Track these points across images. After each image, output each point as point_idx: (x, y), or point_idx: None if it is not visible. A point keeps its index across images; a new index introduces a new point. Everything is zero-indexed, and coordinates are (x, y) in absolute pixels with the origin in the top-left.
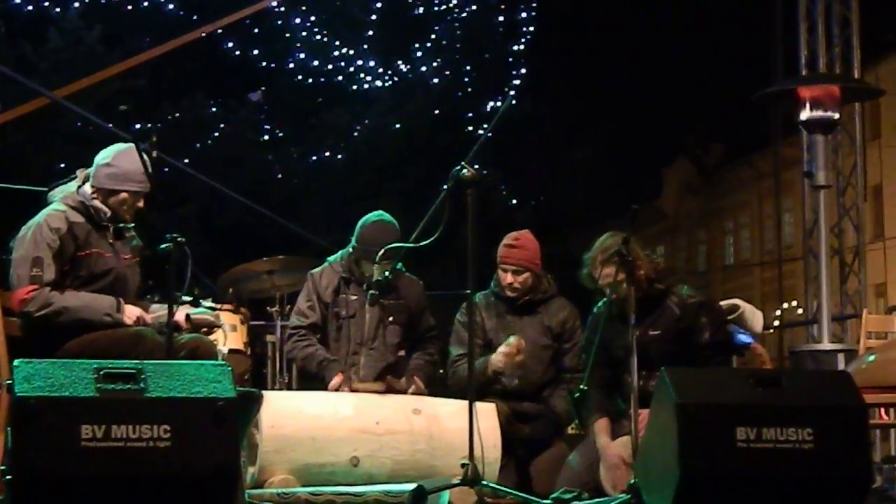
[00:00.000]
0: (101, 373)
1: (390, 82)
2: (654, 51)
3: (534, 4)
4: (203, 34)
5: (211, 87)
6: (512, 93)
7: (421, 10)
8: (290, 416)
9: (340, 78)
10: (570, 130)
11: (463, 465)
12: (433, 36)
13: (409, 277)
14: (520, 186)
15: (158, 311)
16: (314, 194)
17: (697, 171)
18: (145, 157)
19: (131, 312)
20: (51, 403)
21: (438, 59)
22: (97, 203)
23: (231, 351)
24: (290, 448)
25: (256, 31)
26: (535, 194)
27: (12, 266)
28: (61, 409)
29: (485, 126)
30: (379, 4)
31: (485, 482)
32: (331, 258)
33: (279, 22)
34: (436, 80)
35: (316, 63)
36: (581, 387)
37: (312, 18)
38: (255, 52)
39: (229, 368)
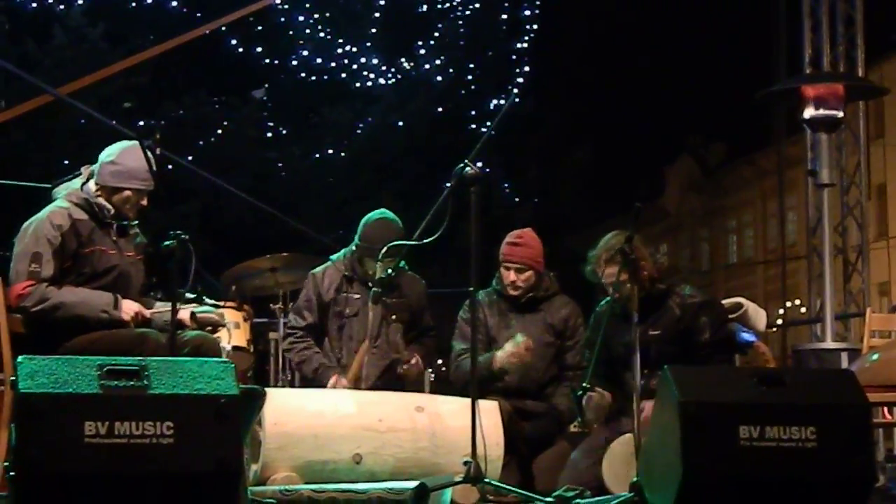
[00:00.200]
0: (105, 369)
1: (393, 80)
2: (657, 49)
3: (537, 2)
4: (206, 32)
5: (214, 85)
6: (515, 91)
7: (424, 7)
8: (292, 414)
9: (343, 75)
10: (573, 129)
11: (465, 463)
12: (436, 34)
13: (412, 276)
14: (522, 184)
15: (163, 308)
16: (317, 192)
17: (700, 170)
18: (149, 155)
19: (129, 308)
20: (54, 400)
21: (441, 57)
22: (101, 200)
23: (234, 348)
24: (293, 445)
25: (259, 28)
26: (538, 192)
27: (12, 261)
28: (65, 406)
29: (488, 124)
30: (382, 2)
31: (487, 480)
32: (333, 256)
33: (282, 19)
34: (439, 78)
35: (319, 60)
36: (584, 384)
37: (315, 16)
38: (258, 49)
39: (232, 365)
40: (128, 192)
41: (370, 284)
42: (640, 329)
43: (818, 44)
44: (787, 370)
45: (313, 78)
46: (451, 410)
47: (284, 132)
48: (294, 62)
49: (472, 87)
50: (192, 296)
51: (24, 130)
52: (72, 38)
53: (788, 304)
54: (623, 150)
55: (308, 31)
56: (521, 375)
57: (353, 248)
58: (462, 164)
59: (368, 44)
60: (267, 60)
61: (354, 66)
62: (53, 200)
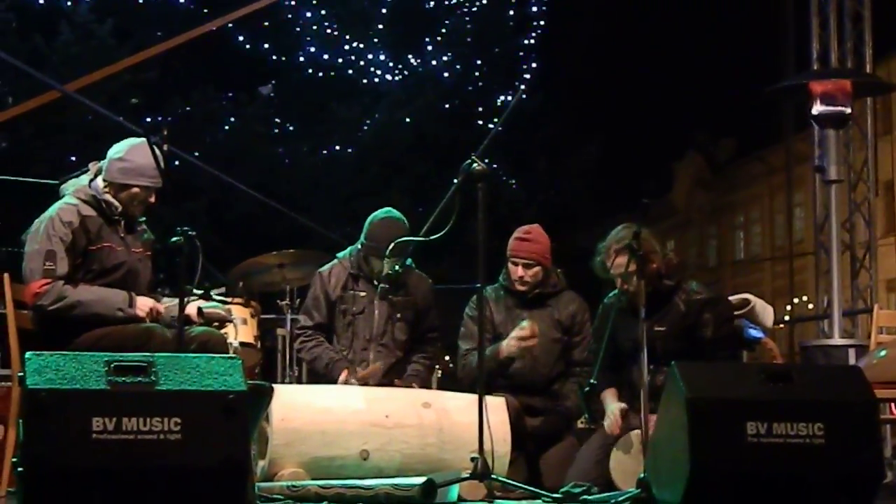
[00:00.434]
0: (112, 365)
1: (400, 76)
2: (665, 45)
3: None
4: (213, 28)
5: (221, 81)
6: (522, 87)
7: (432, 4)
8: (300, 410)
9: (351, 72)
10: (581, 125)
11: (472, 459)
12: (444, 30)
13: (419, 274)
14: (530, 180)
15: (170, 304)
16: (324, 188)
17: (708, 166)
18: (157, 152)
19: (144, 304)
20: (62, 396)
21: (449, 54)
22: (109, 197)
23: (241, 344)
24: (300, 441)
25: (267, 24)
26: (545, 188)
27: (25, 260)
28: (72, 402)
29: (495, 120)
30: None
31: (494, 476)
32: (340, 254)
33: (290, 16)
34: (446, 75)
35: (326, 57)
36: (591, 381)
37: (323, 12)
38: (266, 45)
39: (240, 362)
40: (136, 189)
41: (376, 283)
42: (647, 325)
43: (826, 40)
44: (795, 366)
45: (321, 74)
46: (458, 406)
47: (292, 128)
48: (301, 58)
49: (480, 83)
50: (199, 292)
51: (32, 126)
52: (79, 34)
53: (796, 300)
54: (631, 147)
55: (315, 27)
56: (528, 368)
57: (359, 246)
58: (469, 161)
59: (376, 40)
60: (274, 57)
61: (362, 63)
62: (61, 197)
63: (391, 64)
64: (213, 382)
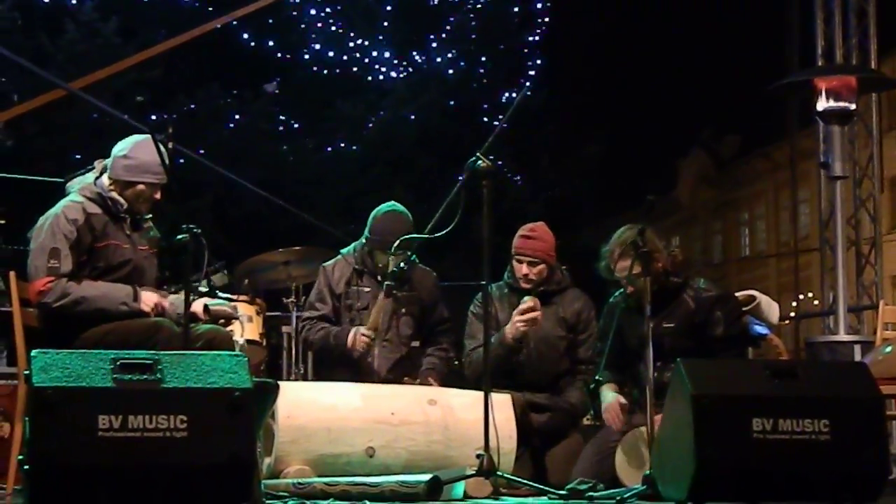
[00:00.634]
0: (118, 363)
1: (405, 73)
2: (669, 42)
3: None
4: (218, 25)
5: (226, 79)
6: (527, 84)
7: (436, 1)
8: (305, 407)
9: (355, 69)
10: (585, 122)
11: (478, 456)
12: (448, 27)
13: (423, 269)
14: (535, 178)
15: (177, 301)
16: (329, 185)
17: (713, 163)
18: (162, 149)
19: (148, 299)
20: (68, 394)
21: (454, 51)
22: (114, 194)
23: (247, 341)
24: (306, 438)
25: (271, 22)
26: (550, 186)
27: (30, 257)
28: (78, 400)
29: (500, 117)
30: None
31: (500, 473)
32: (344, 250)
33: (294, 13)
34: (451, 72)
35: (331, 54)
36: (596, 378)
37: (327, 9)
38: (271, 43)
39: (245, 359)
40: (141, 187)
41: (379, 278)
42: (654, 322)
43: (831, 36)
44: (800, 363)
45: (325, 71)
46: (464, 403)
47: (297, 125)
48: (306, 56)
49: (484, 80)
50: (205, 289)
51: (38, 124)
52: (84, 32)
53: (801, 296)
54: (636, 144)
55: (320, 24)
56: (534, 366)
57: (363, 241)
58: (474, 158)
59: (381, 37)
60: (279, 54)
61: (366, 60)
62: (67, 194)
63: (396, 61)
64: (219, 380)
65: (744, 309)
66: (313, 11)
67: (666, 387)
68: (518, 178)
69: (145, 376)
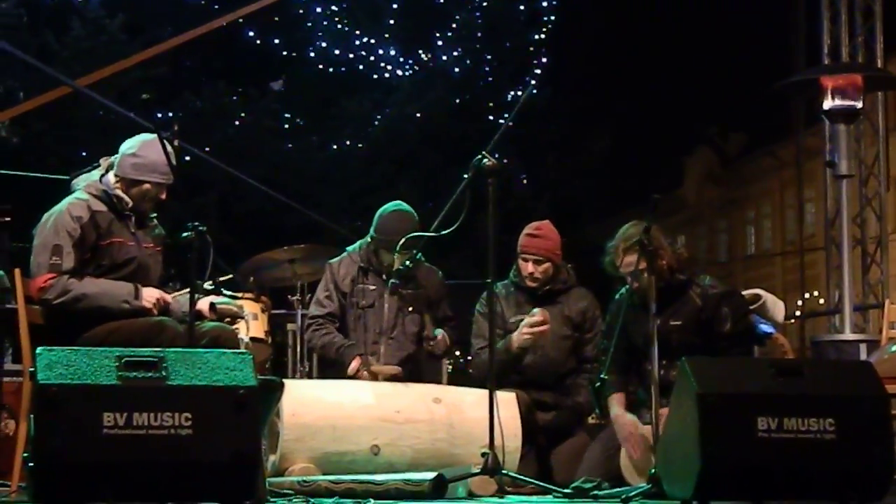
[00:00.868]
0: (123, 360)
1: (411, 71)
2: (675, 40)
3: None
4: (224, 23)
5: (232, 76)
6: (533, 82)
7: None
8: (310, 405)
9: (361, 67)
10: (591, 119)
11: (483, 454)
12: (454, 25)
13: (429, 267)
14: (540, 176)
15: (178, 296)
16: (334, 183)
17: (719, 161)
18: (170, 148)
19: (150, 295)
20: (73, 391)
21: (459, 49)
22: (120, 192)
23: (252, 339)
24: (311, 436)
25: (277, 19)
26: (556, 184)
27: (32, 253)
28: (83, 397)
29: (505, 115)
30: None
31: (505, 471)
32: (349, 248)
33: (300, 11)
34: (456, 70)
35: (337, 52)
36: (601, 376)
37: (333, 7)
38: (276, 40)
39: (250, 357)
40: (147, 186)
41: (385, 276)
42: (661, 319)
43: (837, 34)
44: (806, 361)
45: (331, 69)
46: (469, 402)
47: (302, 123)
48: (312, 54)
49: (490, 78)
50: (210, 287)
51: (43, 122)
52: (90, 29)
53: (807, 295)
54: (641, 142)
55: (326, 22)
56: (540, 364)
57: (369, 239)
58: (480, 156)
59: (386, 35)
60: (285, 52)
61: (372, 58)
62: (72, 192)
63: (402, 59)
64: (224, 378)
65: (749, 308)
66: (319, 9)
67: (672, 385)
68: (524, 176)
69: (150, 374)
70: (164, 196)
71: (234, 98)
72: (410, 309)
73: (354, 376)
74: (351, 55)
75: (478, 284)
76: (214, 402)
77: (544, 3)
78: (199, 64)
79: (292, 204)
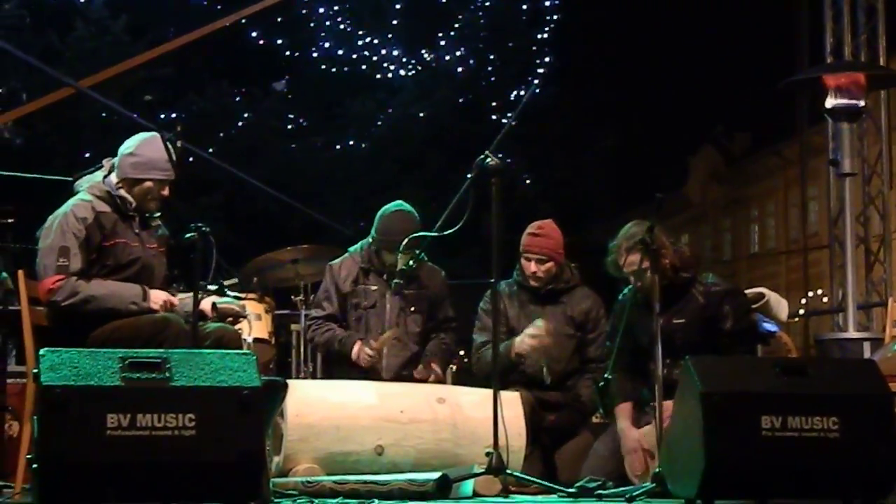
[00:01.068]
0: (127, 362)
1: (414, 71)
2: (679, 39)
3: None
4: (227, 23)
5: (235, 77)
6: (536, 81)
7: None
8: (314, 405)
9: (364, 67)
10: (595, 119)
11: (487, 454)
12: (457, 24)
13: (431, 267)
14: (544, 175)
15: (184, 297)
16: (338, 183)
17: (723, 160)
18: (169, 145)
19: (157, 298)
20: (76, 392)
21: (463, 48)
22: (123, 193)
23: (256, 340)
24: (315, 437)
25: (280, 20)
26: (560, 183)
27: (39, 256)
28: (87, 398)
29: (509, 115)
30: None
31: (509, 471)
32: (351, 248)
33: (303, 11)
34: (460, 69)
35: (340, 52)
36: (605, 375)
37: (336, 7)
38: (280, 41)
39: (254, 357)
40: (149, 184)
41: (387, 276)
42: (664, 318)
43: (840, 33)
44: (810, 360)
45: (334, 69)
46: (473, 401)
47: (306, 124)
48: (315, 54)
49: (494, 77)
50: (214, 287)
51: (47, 123)
52: (93, 30)
53: (811, 293)
54: (645, 141)
55: (329, 22)
56: (543, 364)
57: (370, 240)
58: (483, 156)
59: (390, 35)
60: (288, 52)
61: (375, 58)
62: (75, 193)
63: (405, 59)
64: (228, 378)
65: (753, 306)
66: (322, 9)
67: (677, 383)
68: (527, 175)
69: (154, 375)
70: (166, 192)
71: (238, 99)
72: (413, 309)
73: (359, 361)
74: (354, 55)
75: (482, 284)
76: (218, 403)
77: (547, 3)
78: (203, 64)
79: (296, 204)
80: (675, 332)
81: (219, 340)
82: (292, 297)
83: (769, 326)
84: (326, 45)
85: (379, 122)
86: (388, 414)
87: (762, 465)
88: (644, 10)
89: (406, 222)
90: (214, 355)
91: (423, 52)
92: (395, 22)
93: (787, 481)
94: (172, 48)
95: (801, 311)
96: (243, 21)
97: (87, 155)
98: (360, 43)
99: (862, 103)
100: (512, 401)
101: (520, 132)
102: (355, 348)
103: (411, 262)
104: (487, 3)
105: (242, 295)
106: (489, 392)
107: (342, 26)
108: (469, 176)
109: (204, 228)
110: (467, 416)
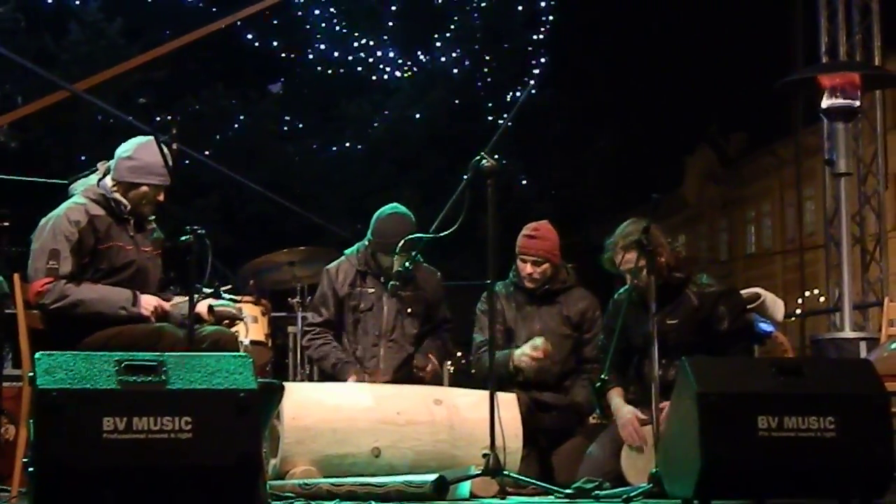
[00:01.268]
0: (123, 365)
1: (410, 73)
2: (674, 39)
3: None
4: (223, 26)
5: (231, 79)
6: (532, 82)
7: (440, 0)
8: (311, 408)
9: (360, 69)
10: (591, 120)
11: (484, 456)
12: (453, 26)
13: (428, 268)
14: (540, 176)
15: (181, 300)
16: (334, 185)
17: (719, 160)
18: (166, 150)
19: (147, 303)
20: (72, 396)
21: (458, 50)
22: (118, 196)
23: (252, 342)
24: (312, 439)
25: (276, 22)
26: (556, 184)
27: (30, 258)
28: (83, 402)
29: (505, 116)
30: None
31: (506, 472)
32: (347, 251)
33: (299, 13)
34: (456, 71)
35: (336, 54)
36: (602, 376)
37: (332, 9)
38: (275, 43)
39: (250, 360)
40: (145, 188)
41: (383, 279)
42: (658, 318)
43: (835, 33)
44: (806, 360)
45: (330, 71)
46: (469, 403)
47: (302, 126)
48: (311, 56)
49: (489, 79)
50: (209, 290)
51: (42, 126)
52: (88, 33)
53: (807, 293)
54: (641, 141)
55: (325, 24)
56: (539, 370)
57: (367, 242)
58: (479, 157)
59: (385, 37)
60: (284, 54)
61: (371, 60)
62: (70, 196)
63: (401, 61)
64: (224, 381)
65: (749, 306)
66: (318, 11)
67: (671, 384)
68: (523, 176)
69: (150, 378)
70: (161, 198)
71: (234, 101)
72: (409, 311)
73: None
74: (350, 57)
75: (479, 285)
76: (215, 406)
77: (542, 4)
78: (199, 67)
79: (292, 206)
80: (667, 333)
81: (215, 343)
82: (289, 299)
83: (765, 326)
84: (322, 47)
85: (375, 124)
86: (385, 416)
87: (759, 466)
88: (639, 11)
89: (402, 224)
90: (211, 358)
91: (419, 53)
92: (390, 24)
93: (783, 481)
94: (168, 51)
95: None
96: (239, 23)
97: (83, 158)
98: (355, 45)
99: (857, 103)
100: (508, 402)
101: (516, 133)
102: (350, 379)
103: (407, 264)
104: (483, 5)
105: (239, 297)
106: (486, 393)
107: (338, 28)
108: (465, 177)
109: (200, 231)
110: (464, 418)
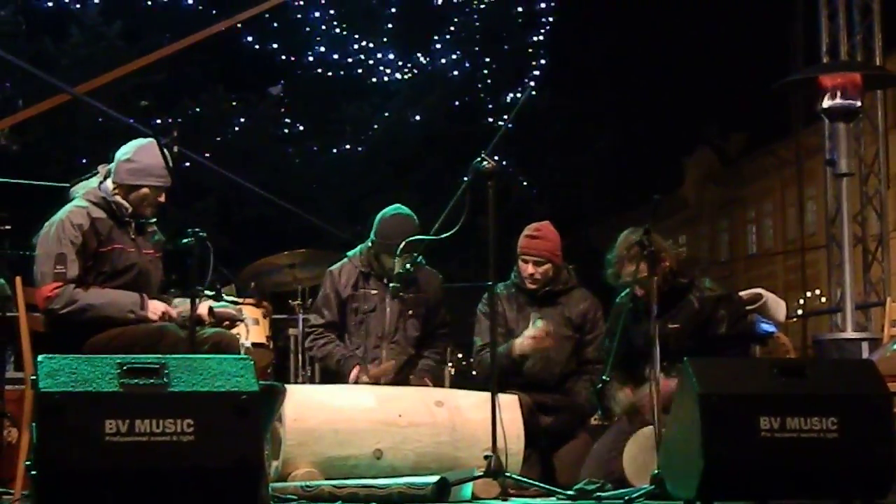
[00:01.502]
0: (125, 367)
1: (409, 75)
2: (674, 40)
3: None
4: (222, 29)
5: (230, 82)
6: (531, 84)
7: (440, 1)
8: (313, 410)
9: (360, 71)
10: (591, 121)
11: (486, 457)
12: (452, 28)
13: (429, 270)
14: (540, 177)
15: (181, 305)
16: (334, 187)
17: (719, 161)
18: (166, 151)
19: (155, 308)
20: (74, 398)
21: (457, 52)
22: (118, 199)
23: (254, 345)
24: (314, 441)
25: (275, 24)
26: (556, 185)
27: (36, 263)
28: (85, 404)
29: (504, 117)
30: None
31: (508, 474)
32: (350, 253)
33: (298, 15)
34: (455, 73)
35: (335, 56)
36: (603, 377)
37: (331, 11)
38: (275, 45)
39: (252, 362)
40: (145, 190)
41: (386, 280)
42: (660, 322)
43: (835, 33)
44: (808, 361)
45: (329, 74)
46: (471, 404)
47: (301, 128)
48: (310, 58)
49: (489, 80)
50: (210, 292)
51: (43, 129)
52: (88, 36)
53: (808, 294)
54: (641, 142)
55: (324, 26)
56: (540, 366)
57: (369, 243)
58: (479, 159)
59: (384, 39)
60: (283, 57)
61: (370, 62)
62: (71, 199)
63: (400, 62)
64: (226, 383)
65: (750, 307)
66: (317, 14)
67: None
68: (523, 177)
69: (152, 380)
70: (162, 199)
71: (234, 103)
72: (411, 313)
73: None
74: (349, 59)
75: (479, 286)
76: (216, 408)
77: (542, 5)
78: (198, 70)
79: (292, 209)
80: (668, 337)
81: (216, 345)
82: (290, 301)
83: (767, 327)
84: (321, 49)
85: (374, 126)
86: (387, 417)
87: (761, 466)
88: (639, 12)
89: (405, 225)
90: (212, 360)
91: (418, 55)
92: (389, 26)
93: (785, 482)
94: (167, 54)
95: (799, 312)
96: (238, 26)
97: (83, 161)
98: (354, 47)
99: (858, 103)
100: (510, 403)
101: (515, 135)
102: (353, 372)
103: (409, 266)
104: (482, 6)
105: (240, 299)
106: (487, 395)
107: (336, 30)
108: (465, 179)
109: (201, 233)
110: (466, 419)
